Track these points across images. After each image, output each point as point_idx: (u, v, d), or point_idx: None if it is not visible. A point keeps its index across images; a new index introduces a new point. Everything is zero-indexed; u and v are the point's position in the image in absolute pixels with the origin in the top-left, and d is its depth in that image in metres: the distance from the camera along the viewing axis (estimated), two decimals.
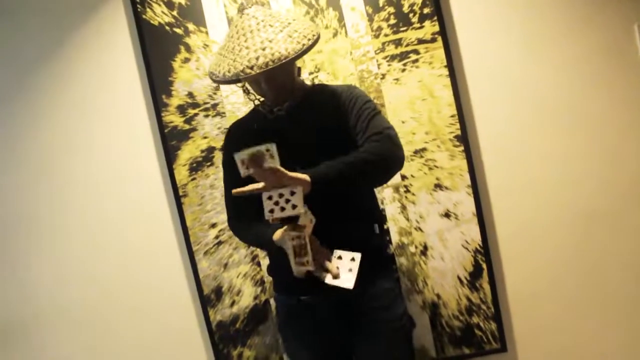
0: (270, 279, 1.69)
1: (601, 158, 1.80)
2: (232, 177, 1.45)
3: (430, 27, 1.75)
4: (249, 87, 1.45)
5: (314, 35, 1.31)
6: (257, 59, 1.24)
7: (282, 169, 1.18)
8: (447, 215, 1.80)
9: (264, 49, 1.25)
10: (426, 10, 1.75)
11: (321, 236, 1.32)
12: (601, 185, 1.80)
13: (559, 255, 1.83)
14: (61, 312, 2.02)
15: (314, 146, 1.37)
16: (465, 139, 1.78)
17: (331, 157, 1.30)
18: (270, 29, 1.28)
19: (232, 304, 1.89)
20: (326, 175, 1.25)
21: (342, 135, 1.38)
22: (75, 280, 1.99)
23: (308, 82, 1.58)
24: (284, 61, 1.24)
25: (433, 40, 1.76)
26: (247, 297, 1.89)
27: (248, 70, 1.25)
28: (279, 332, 1.61)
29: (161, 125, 1.85)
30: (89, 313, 2.01)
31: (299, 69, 1.47)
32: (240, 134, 1.52)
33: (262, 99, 1.47)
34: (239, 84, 1.46)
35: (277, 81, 1.35)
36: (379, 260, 1.46)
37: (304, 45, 1.27)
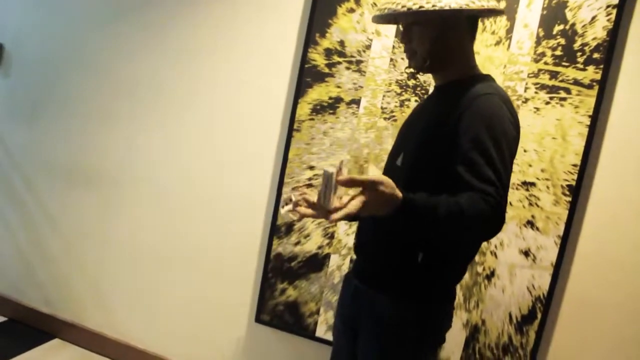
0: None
1: None
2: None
3: (592, 73, 1.72)
4: None
5: (434, 5, 1.17)
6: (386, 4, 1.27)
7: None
8: (526, 253, 1.80)
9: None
10: (595, 55, 1.72)
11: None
12: None
13: (616, 347, 1.77)
14: (147, 178, 2.20)
15: (417, 131, 1.31)
16: (577, 193, 1.75)
17: (417, 157, 1.25)
18: None
19: (297, 243, 1.99)
20: (417, 208, 1.03)
21: (438, 136, 1.22)
22: (170, 156, 2.16)
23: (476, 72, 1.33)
24: (390, 12, 1.22)
25: (590, 86, 1.72)
26: (312, 244, 1.97)
27: (377, 13, 1.29)
28: None
29: (304, 59, 1.93)
30: (168, 190, 2.18)
31: (440, 40, 1.27)
32: None
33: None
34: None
35: (408, 40, 1.31)
36: (409, 291, 1.27)
37: (414, 4, 1.18)
